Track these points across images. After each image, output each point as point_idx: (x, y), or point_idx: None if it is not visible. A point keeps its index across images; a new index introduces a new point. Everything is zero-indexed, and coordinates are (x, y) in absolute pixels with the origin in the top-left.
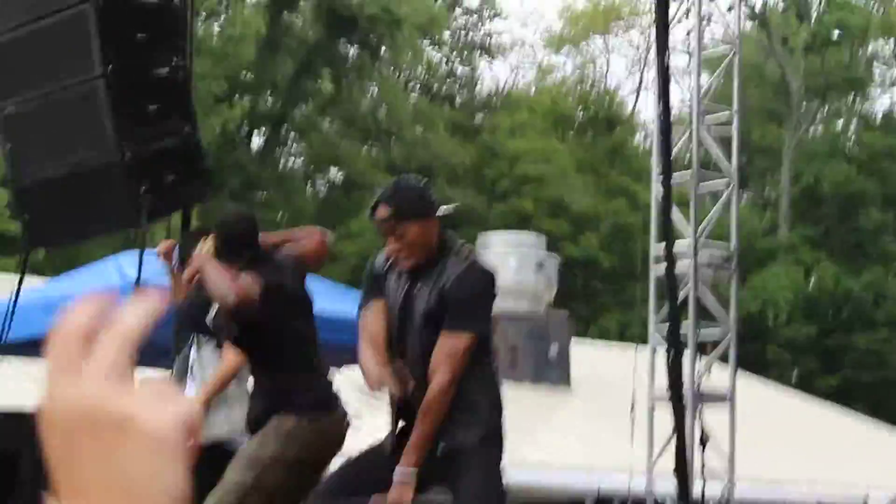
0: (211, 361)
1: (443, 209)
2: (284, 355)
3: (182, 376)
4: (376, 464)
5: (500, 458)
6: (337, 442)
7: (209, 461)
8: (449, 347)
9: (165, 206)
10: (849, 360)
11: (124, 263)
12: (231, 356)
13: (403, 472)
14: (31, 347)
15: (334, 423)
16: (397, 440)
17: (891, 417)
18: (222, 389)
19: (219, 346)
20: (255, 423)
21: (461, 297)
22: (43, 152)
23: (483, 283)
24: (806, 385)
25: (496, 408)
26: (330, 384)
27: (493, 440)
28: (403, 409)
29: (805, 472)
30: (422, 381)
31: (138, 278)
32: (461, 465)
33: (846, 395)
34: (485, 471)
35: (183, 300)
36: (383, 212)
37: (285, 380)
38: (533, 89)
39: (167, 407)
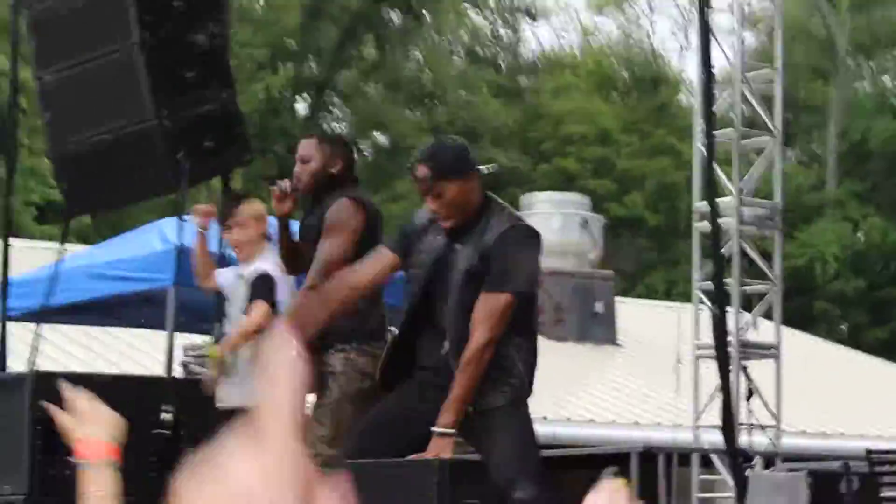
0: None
1: (483, 168)
2: None
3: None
4: (408, 419)
5: (529, 418)
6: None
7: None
8: (489, 306)
9: (204, 171)
10: None
11: (166, 229)
12: (259, 312)
13: (442, 429)
14: (75, 312)
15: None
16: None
17: None
18: (245, 342)
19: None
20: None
21: (503, 256)
22: (82, 120)
23: (526, 243)
24: (855, 339)
25: (529, 371)
26: (383, 314)
27: (524, 401)
28: (440, 369)
29: (853, 424)
30: (459, 338)
31: (179, 244)
32: (492, 426)
33: (894, 348)
34: (516, 432)
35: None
36: (421, 171)
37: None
38: (577, 51)
39: None
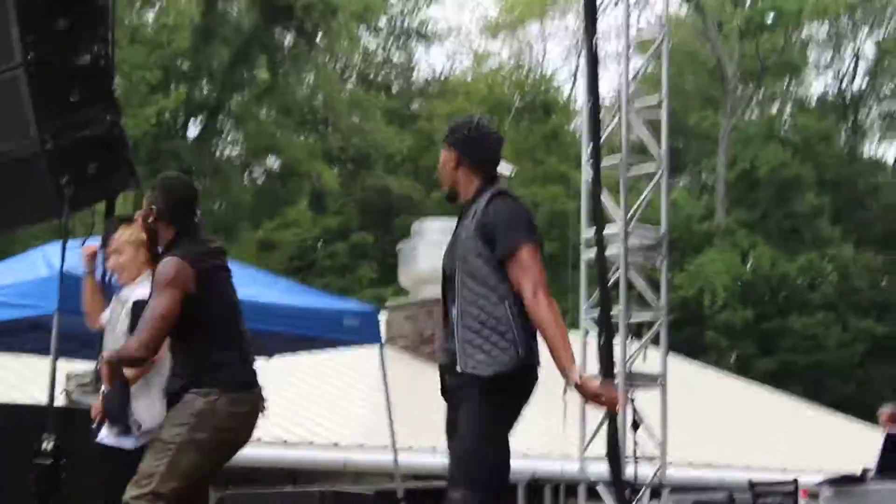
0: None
1: (502, 170)
2: (210, 331)
3: None
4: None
5: (512, 403)
6: (253, 422)
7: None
8: (517, 266)
9: (88, 195)
10: (786, 343)
11: (51, 254)
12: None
13: (576, 369)
14: None
15: (251, 401)
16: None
17: (828, 400)
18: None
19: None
20: (171, 399)
21: (498, 220)
22: None
23: (513, 204)
24: (743, 369)
25: (528, 336)
26: (251, 363)
27: (514, 377)
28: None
29: (739, 455)
30: (464, 300)
31: (61, 269)
32: (469, 398)
33: (784, 379)
34: (486, 418)
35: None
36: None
37: (207, 355)
38: (469, 76)
39: None
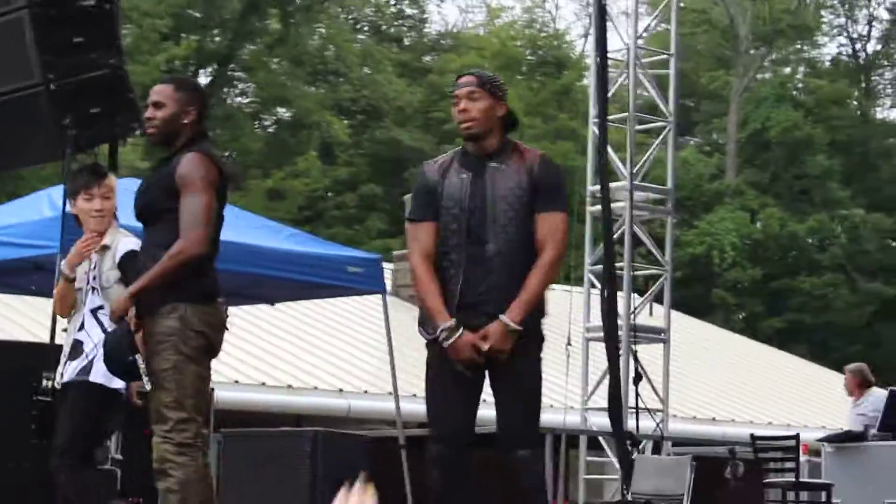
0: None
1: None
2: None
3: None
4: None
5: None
6: (222, 328)
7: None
8: (550, 225)
9: (91, 137)
10: (793, 303)
11: (55, 196)
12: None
13: (510, 322)
14: None
15: (220, 310)
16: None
17: (834, 360)
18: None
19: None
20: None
21: (551, 180)
22: None
23: (560, 170)
24: (751, 327)
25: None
26: (216, 277)
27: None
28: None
29: (743, 411)
30: (508, 237)
31: (63, 209)
32: (522, 372)
33: (791, 338)
34: (538, 389)
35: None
36: (467, 78)
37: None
38: (482, 30)
39: None
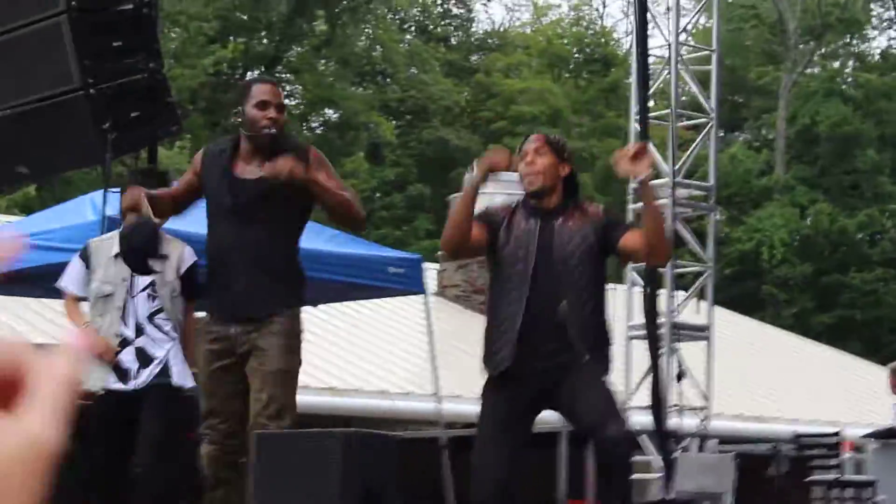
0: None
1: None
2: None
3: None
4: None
5: None
6: None
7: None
8: (633, 233)
9: (131, 141)
10: (844, 298)
11: (98, 199)
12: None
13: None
14: (5, 282)
15: None
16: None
17: (886, 356)
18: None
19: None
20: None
21: (619, 217)
22: (7, 89)
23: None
24: (801, 324)
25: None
26: None
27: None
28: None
29: (789, 409)
30: (579, 296)
31: (104, 212)
32: (590, 376)
33: (842, 334)
34: (610, 390)
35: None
36: (538, 138)
37: (296, 268)
38: (529, 29)
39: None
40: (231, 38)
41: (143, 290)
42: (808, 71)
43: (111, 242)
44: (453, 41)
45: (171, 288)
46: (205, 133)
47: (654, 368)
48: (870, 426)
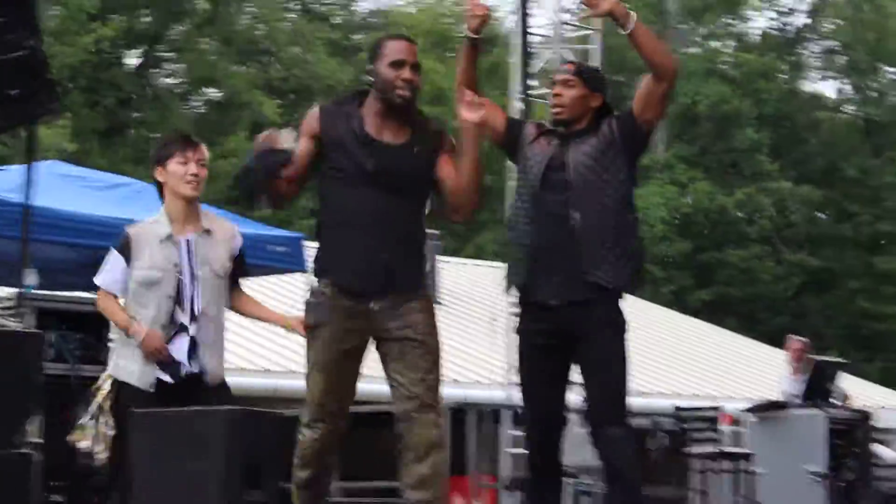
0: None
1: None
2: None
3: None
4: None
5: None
6: None
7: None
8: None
9: (9, 120)
10: (722, 276)
11: None
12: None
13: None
14: None
15: None
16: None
17: (762, 332)
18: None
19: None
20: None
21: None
22: None
23: None
24: (680, 300)
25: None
26: None
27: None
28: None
29: (669, 384)
30: (589, 209)
31: None
32: (605, 343)
33: (719, 311)
34: (624, 358)
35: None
36: (569, 66)
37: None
38: (413, 9)
39: None
40: (112, 15)
41: (196, 274)
42: (688, 51)
43: (156, 226)
44: (336, 20)
45: (221, 266)
46: (84, 112)
47: None
48: (747, 400)
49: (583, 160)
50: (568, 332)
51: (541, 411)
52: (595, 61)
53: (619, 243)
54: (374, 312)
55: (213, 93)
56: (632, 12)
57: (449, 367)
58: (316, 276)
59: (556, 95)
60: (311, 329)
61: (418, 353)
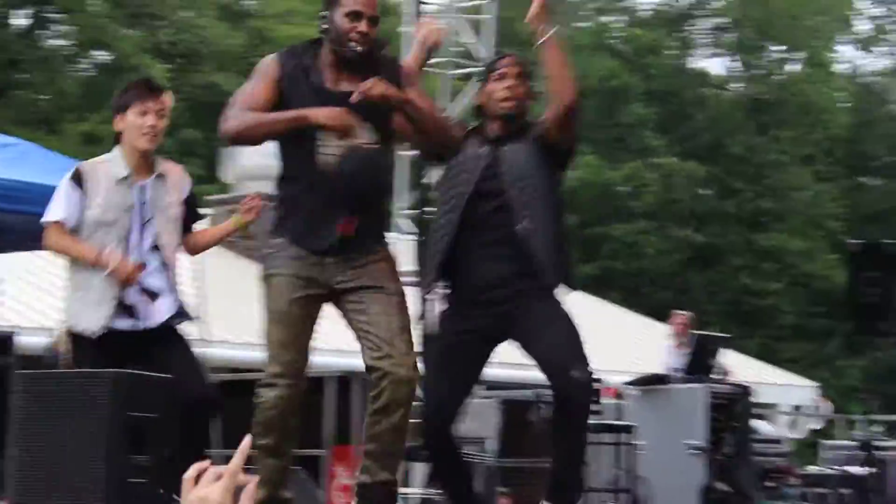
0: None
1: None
2: None
3: None
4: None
5: None
6: None
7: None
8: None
9: None
10: (607, 250)
11: None
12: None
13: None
14: None
15: None
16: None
17: (646, 306)
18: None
19: None
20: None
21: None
22: None
23: None
24: None
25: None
26: None
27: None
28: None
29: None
30: (534, 213)
31: None
32: (549, 307)
33: (604, 285)
34: (570, 319)
35: None
36: (516, 59)
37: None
38: None
39: None
40: None
41: (149, 220)
42: (578, 25)
43: (112, 166)
44: None
45: (174, 212)
46: None
47: (421, 317)
48: (630, 374)
49: (519, 165)
50: (501, 319)
51: (440, 401)
52: (489, 32)
53: (560, 248)
54: (328, 264)
55: (101, 55)
56: (556, 27)
57: (335, 336)
58: (272, 231)
59: (512, 88)
60: (265, 278)
61: (381, 298)
